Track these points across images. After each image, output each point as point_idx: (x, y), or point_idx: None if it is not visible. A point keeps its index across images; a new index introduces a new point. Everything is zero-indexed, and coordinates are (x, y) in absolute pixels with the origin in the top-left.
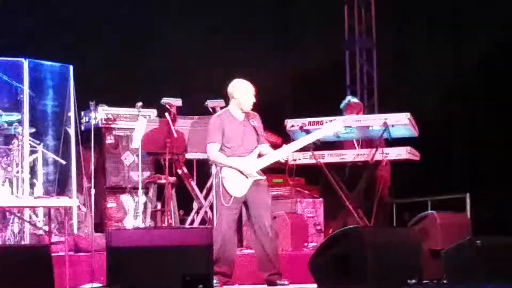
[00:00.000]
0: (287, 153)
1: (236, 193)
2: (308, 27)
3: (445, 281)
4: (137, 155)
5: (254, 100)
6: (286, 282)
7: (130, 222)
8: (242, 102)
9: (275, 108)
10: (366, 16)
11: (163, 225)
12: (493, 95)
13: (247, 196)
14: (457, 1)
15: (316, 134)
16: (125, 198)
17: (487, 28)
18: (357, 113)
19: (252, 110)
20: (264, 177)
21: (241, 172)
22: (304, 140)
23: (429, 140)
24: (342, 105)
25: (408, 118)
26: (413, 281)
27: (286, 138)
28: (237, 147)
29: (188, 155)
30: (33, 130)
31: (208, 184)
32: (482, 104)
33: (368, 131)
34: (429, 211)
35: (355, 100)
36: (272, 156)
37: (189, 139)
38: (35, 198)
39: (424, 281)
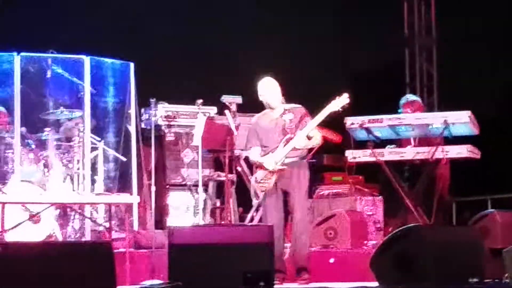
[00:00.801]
0: (301, 138)
1: (268, 188)
2: (368, 25)
3: (507, 280)
4: (197, 153)
5: (279, 96)
6: (306, 276)
7: (190, 220)
8: (268, 100)
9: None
10: (426, 13)
11: (223, 222)
12: None
13: (283, 188)
14: None
15: (323, 112)
16: (185, 195)
17: None
18: (415, 111)
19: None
20: (284, 167)
21: (265, 168)
22: (314, 121)
23: (489, 138)
24: (401, 102)
25: (469, 116)
26: (475, 280)
27: (347, 136)
28: (271, 145)
29: (247, 153)
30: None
31: None
32: None
33: (427, 129)
34: (490, 210)
35: (414, 97)
36: (289, 145)
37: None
38: (96, 194)
39: (485, 280)
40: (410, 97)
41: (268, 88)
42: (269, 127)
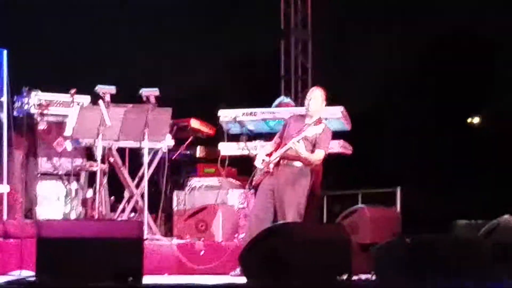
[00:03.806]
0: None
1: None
2: (245, 17)
3: (373, 278)
4: (70, 142)
5: (309, 104)
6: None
7: (61, 210)
8: (308, 106)
9: (209, 98)
10: (302, 7)
11: (94, 212)
12: (426, 90)
13: (270, 187)
14: None
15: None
16: (56, 184)
17: (422, 24)
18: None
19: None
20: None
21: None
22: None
23: (361, 133)
24: (274, 104)
25: (341, 112)
26: (343, 277)
27: (220, 128)
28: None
29: (121, 144)
30: None
31: (140, 173)
32: (414, 99)
33: None
34: (359, 205)
35: (287, 100)
36: (282, 149)
37: (122, 128)
38: None
39: (354, 277)
40: (284, 99)
41: (311, 96)
42: (296, 129)
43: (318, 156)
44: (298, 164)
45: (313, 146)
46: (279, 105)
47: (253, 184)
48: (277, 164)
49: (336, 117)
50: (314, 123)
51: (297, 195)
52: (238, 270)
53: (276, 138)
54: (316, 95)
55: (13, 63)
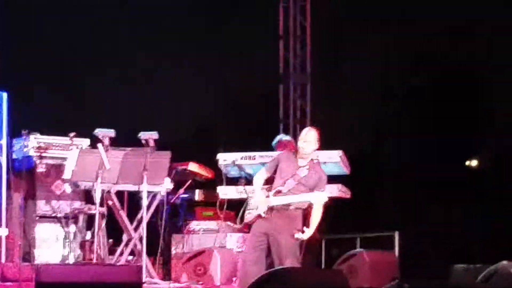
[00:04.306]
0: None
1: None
2: (243, 59)
3: None
4: (69, 185)
5: (303, 146)
6: None
7: (59, 252)
8: (300, 147)
9: (207, 140)
10: (302, 51)
11: (92, 255)
12: (424, 133)
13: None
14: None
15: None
16: (55, 227)
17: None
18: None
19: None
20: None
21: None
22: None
23: (359, 177)
24: (273, 143)
25: (339, 156)
26: None
27: (219, 172)
28: (276, 186)
29: (119, 187)
30: None
31: (139, 216)
32: (413, 143)
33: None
34: (358, 249)
35: (287, 138)
36: (282, 199)
37: (121, 171)
38: None
39: None
40: (283, 137)
41: (306, 138)
42: (289, 171)
43: (322, 204)
44: (292, 207)
45: (310, 190)
46: (279, 142)
47: (245, 222)
48: (271, 208)
49: (335, 161)
50: (308, 167)
51: (295, 239)
52: None
53: (264, 174)
54: (310, 138)
55: (12, 106)
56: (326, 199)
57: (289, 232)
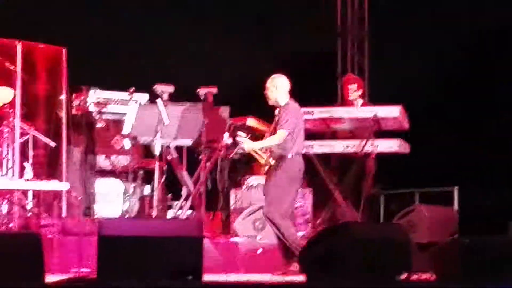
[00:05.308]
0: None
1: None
2: (299, 14)
3: (433, 278)
4: (128, 140)
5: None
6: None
7: (119, 207)
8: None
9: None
10: (360, 5)
11: (151, 210)
12: (482, 87)
13: None
14: None
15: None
16: (114, 182)
17: (470, 18)
18: (358, 88)
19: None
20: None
21: None
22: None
23: (419, 132)
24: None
25: (399, 111)
26: (402, 276)
27: None
28: None
29: (178, 142)
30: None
31: (197, 172)
32: (472, 98)
33: (358, 123)
34: (416, 204)
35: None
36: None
37: (180, 126)
38: (25, 180)
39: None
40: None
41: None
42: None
43: (277, 137)
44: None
45: None
46: (347, 77)
47: None
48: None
49: (394, 116)
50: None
51: (272, 188)
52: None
53: None
54: (268, 84)
55: (72, 61)
56: (284, 135)
57: (269, 180)
